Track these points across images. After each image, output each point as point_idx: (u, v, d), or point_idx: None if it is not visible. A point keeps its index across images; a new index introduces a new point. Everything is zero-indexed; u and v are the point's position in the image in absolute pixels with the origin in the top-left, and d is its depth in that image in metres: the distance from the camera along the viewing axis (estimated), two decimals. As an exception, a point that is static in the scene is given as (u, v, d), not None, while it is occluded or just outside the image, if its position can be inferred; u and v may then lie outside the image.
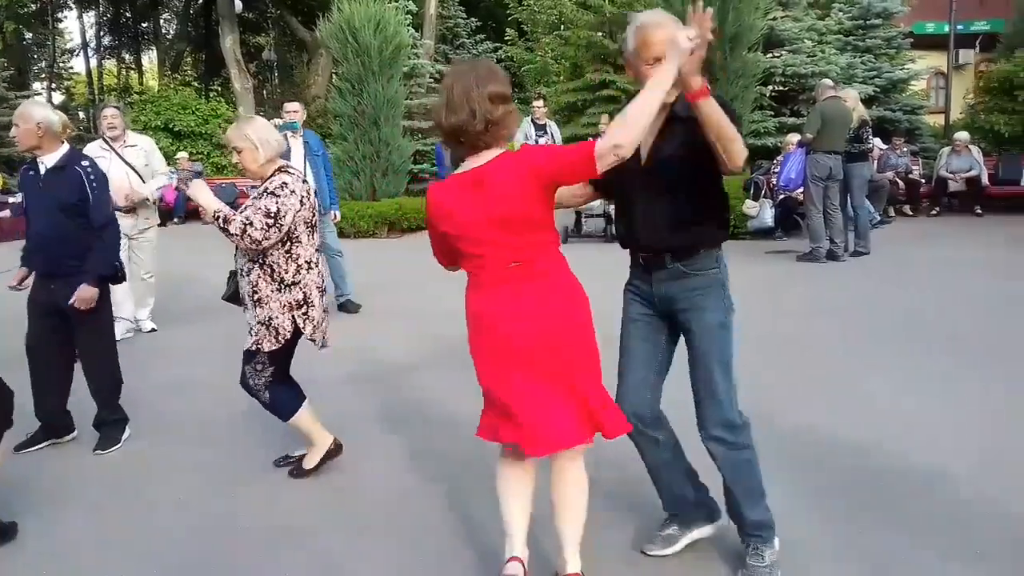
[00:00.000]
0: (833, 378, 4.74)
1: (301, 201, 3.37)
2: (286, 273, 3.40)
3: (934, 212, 12.44)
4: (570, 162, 2.28)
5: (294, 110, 7.18)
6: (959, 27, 14.52)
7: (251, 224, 3.24)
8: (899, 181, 12.28)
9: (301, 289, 3.44)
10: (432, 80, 16.35)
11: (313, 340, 3.53)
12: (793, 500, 3.08)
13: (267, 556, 2.93)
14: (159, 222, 7.18)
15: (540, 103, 11.05)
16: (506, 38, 28.15)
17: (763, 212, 10.32)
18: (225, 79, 26.23)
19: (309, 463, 3.63)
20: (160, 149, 7.08)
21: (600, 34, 21.02)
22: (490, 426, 2.49)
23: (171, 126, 20.01)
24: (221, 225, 3.28)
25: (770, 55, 12.58)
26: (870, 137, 9.11)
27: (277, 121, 7.07)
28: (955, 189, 12.26)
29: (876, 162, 12.09)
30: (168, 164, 7.48)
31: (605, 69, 20.70)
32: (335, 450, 3.68)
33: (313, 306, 3.48)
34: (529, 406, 2.34)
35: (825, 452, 3.62)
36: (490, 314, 2.38)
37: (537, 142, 10.52)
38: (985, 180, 12.13)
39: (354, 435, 3.92)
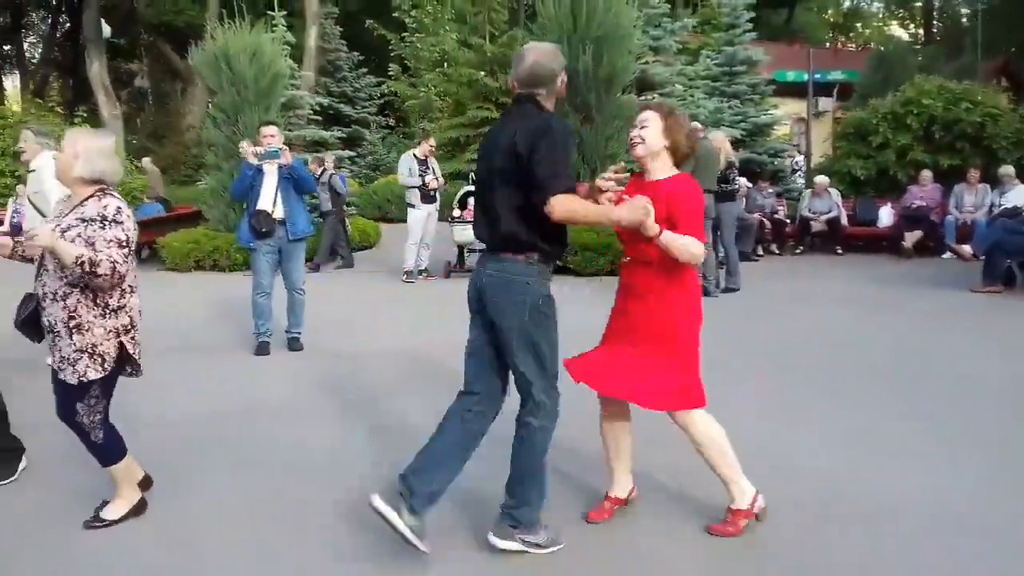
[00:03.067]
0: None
1: (134, 224, 3.25)
2: (111, 298, 3.23)
3: (798, 251, 13.06)
4: None
5: (271, 135, 6.67)
6: (817, 76, 15.42)
7: (116, 261, 3.09)
8: (766, 221, 12.84)
9: (127, 313, 3.29)
10: (312, 112, 16.08)
11: (133, 371, 3.39)
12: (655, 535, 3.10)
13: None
14: None
15: (431, 141, 11.06)
16: (389, 73, 28.14)
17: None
18: (93, 106, 25.14)
19: (112, 514, 3.42)
20: (16, 176, 6.68)
21: (482, 73, 21.38)
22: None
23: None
24: (87, 269, 3.05)
25: (643, 98, 12.98)
26: (736, 177, 9.48)
27: (259, 149, 6.61)
28: (817, 229, 12.90)
29: (744, 201, 12.62)
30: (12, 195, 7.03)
31: (487, 106, 21.05)
32: (140, 507, 3.49)
33: (137, 330, 3.35)
34: None
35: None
36: None
37: (422, 175, 10.49)
38: (844, 221, 12.81)
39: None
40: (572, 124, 2.93)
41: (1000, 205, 11.23)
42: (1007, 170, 11.66)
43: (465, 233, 10.68)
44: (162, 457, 4.00)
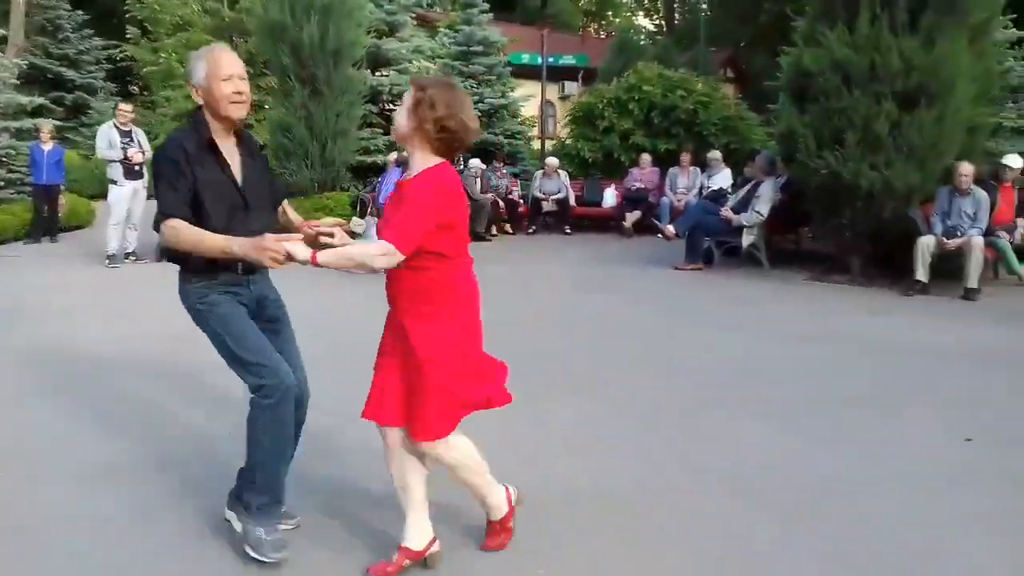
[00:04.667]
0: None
1: None
2: None
3: (531, 231, 13.38)
4: None
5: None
6: (551, 59, 15.85)
7: None
8: (500, 201, 13.02)
9: None
10: (12, 76, 14.34)
11: None
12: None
13: None
14: None
15: (128, 107, 10.10)
16: (127, 36, 25.94)
17: (369, 229, 10.31)
18: None
19: None
20: None
21: (224, 40, 20.18)
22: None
23: None
24: None
25: (378, 74, 12.71)
26: (459, 159, 9.46)
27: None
28: (548, 209, 13.29)
29: (478, 182, 12.72)
30: None
31: (227, 76, 19.87)
32: None
33: None
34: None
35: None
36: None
37: (125, 148, 9.60)
38: (572, 202, 13.27)
39: None
40: (178, 138, 2.63)
41: (708, 187, 12.07)
42: (715, 154, 12.53)
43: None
44: None
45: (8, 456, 3.83)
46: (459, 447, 2.76)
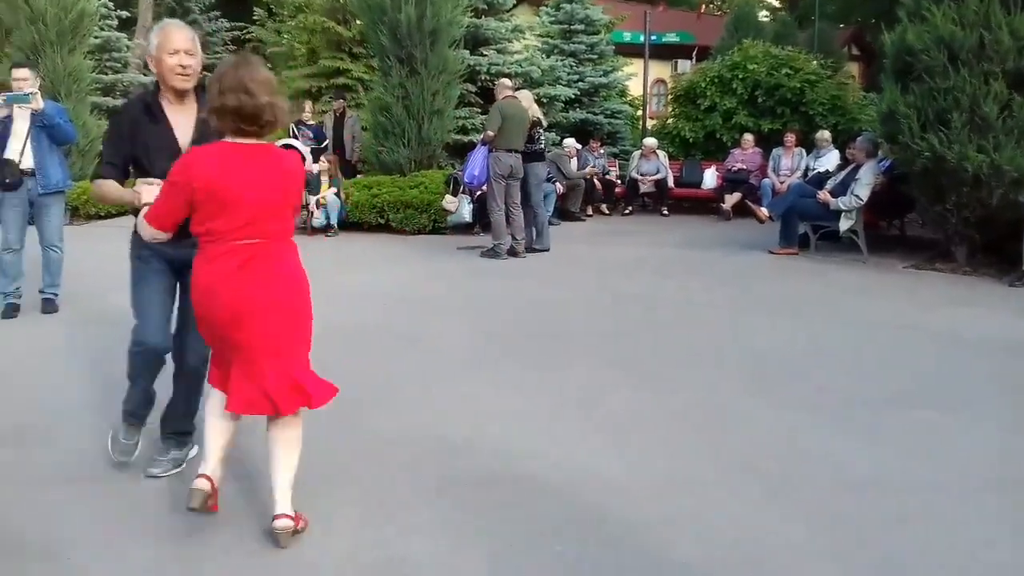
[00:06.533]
0: (439, 377, 4.76)
1: None
2: None
3: (627, 211, 13.22)
4: None
5: (22, 78, 6.14)
6: (653, 37, 15.53)
7: None
8: (596, 181, 12.92)
9: None
10: (141, 59, 15.17)
11: None
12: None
13: None
14: None
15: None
16: (254, 18, 26.97)
17: (461, 207, 10.45)
18: None
19: None
20: None
21: (336, 22, 20.60)
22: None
23: None
24: None
25: (478, 53, 12.77)
26: (541, 137, 9.43)
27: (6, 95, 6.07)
28: (646, 190, 13.10)
29: (573, 161, 12.66)
30: None
31: (339, 55, 20.36)
32: None
33: None
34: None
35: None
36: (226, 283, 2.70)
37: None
38: (671, 183, 13.03)
39: None
40: (128, 104, 3.19)
41: (814, 169, 11.60)
42: (823, 135, 12.05)
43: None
44: None
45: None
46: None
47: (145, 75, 14.65)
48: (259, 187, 2.69)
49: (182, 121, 3.22)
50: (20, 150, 6.23)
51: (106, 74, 12.91)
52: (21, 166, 6.21)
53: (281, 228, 2.79)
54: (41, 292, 6.45)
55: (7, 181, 6.18)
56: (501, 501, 3.15)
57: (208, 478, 2.82)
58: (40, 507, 3.10)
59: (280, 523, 2.77)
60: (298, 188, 2.91)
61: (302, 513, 2.88)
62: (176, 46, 3.13)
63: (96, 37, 12.54)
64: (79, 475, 3.39)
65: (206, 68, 3.26)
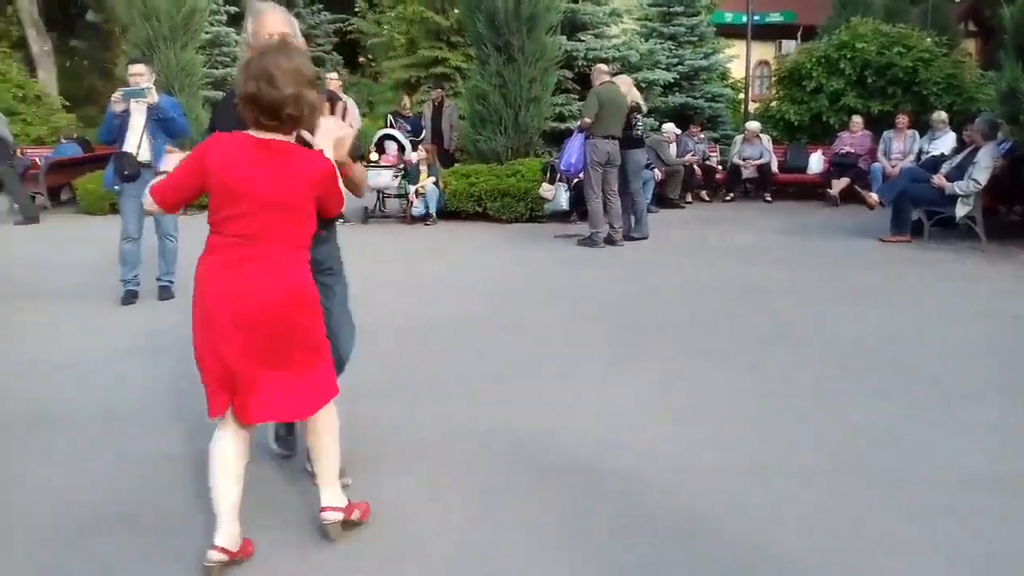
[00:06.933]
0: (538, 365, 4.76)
1: None
2: None
3: (728, 198, 12.91)
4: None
5: (138, 73, 6.38)
6: (756, 18, 15.06)
7: None
8: (696, 167, 12.66)
9: None
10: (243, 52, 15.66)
11: None
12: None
13: None
14: None
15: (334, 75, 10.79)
16: (355, 10, 27.52)
17: (558, 195, 10.41)
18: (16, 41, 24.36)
19: None
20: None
21: (434, 12, 20.81)
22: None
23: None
24: None
25: (575, 38, 12.66)
26: (639, 123, 9.27)
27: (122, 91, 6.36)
28: (748, 176, 12.75)
29: (674, 147, 12.43)
30: None
31: (438, 45, 20.58)
32: None
33: None
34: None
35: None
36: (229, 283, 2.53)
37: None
38: (775, 168, 12.64)
39: None
40: (229, 93, 3.04)
41: (928, 152, 11.07)
42: (939, 116, 11.45)
43: (380, 178, 10.53)
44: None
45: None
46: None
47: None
48: (264, 185, 2.47)
49: None
50: (137, 143, 6.52)
51: (216, 68, 13.39)
52: (139, 159, 6.50)
53: (288, 234, 2.53)
54: (158, 280, 6.78)
55: (126, 173, 6.47)
56: (597, 491, 3.13)
57: (224, 550, 2.56)
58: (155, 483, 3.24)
59: (328, 515, 2.71)
60: (316, 194, 2.58)
61: (359, 503, 2.82)
62: (271, 29, 2.98)
63: (207, 32, 12.98)
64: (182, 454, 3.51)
65: (312, 61, 3.26)
